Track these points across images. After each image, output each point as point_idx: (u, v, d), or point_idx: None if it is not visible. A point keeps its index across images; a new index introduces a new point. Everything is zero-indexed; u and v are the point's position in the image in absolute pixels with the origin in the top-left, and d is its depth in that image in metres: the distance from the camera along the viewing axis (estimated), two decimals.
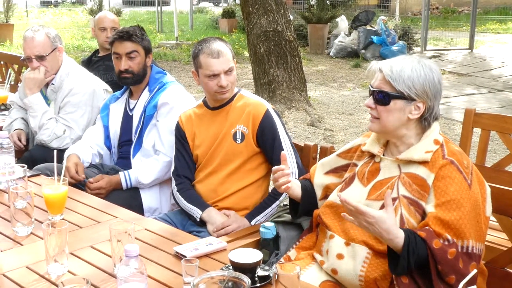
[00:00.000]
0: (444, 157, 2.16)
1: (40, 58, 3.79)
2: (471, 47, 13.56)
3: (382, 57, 12.56)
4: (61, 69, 3.89)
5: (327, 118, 7.99)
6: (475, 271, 1.89)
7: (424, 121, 2.23)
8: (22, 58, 3.91)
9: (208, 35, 14.06)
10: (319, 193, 2.53)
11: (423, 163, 2.18)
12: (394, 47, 12.59)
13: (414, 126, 2.24)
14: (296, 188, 2.50)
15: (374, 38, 12.89)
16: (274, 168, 2.43)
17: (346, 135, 7.14)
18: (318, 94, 9.58)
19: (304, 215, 2.58)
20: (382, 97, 2.20)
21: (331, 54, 13.65)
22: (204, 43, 3.00)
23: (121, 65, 3.48)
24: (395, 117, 2.20)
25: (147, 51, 3.55)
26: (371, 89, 2.25)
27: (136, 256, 1.78)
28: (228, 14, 18.02)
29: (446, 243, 2.05)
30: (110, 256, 2.15)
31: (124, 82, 3.57)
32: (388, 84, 2.18)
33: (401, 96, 2.17)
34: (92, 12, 17.80)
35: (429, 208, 2.12)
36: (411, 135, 2.25)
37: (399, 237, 2.02)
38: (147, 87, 3.56)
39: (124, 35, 3.48)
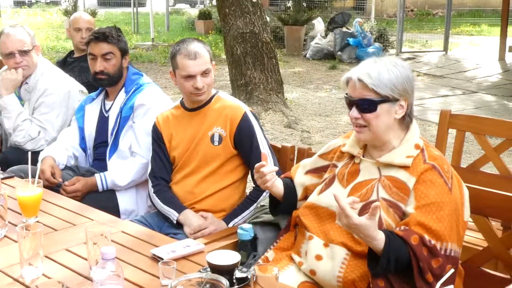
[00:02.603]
0: (425, 161, 2.18)
1: (24, 52, 3.75)
2: (445, 49, 13.69)
3: (358, 59, 12.63)
4: (36, 69, 3.84)
5: (304, 119, 8.01)
6: (452, 270, 1.90)
7: (407, 118, 2.26)
8: (1, 54, 3.84)
9: (185, 36, 13.99)
10: (299, 192, 2.53)
11: (404, 167, 2.20)
12: (370, 49, 12.67)
13: (397, 127, 2.26)
14: (279, 186, 2.49)
15: (350, 40, 12.96)
16: (257, 165, 2.40)
17: (323, 137, 7.16)
18: (295, 95, 9.60)
19: (283, 213, 2.57)
20: (367, 105, 2.20)
21: (307, 56, 13.69)
22: (182, 44, 2.99)
23: (96, 66, 3.44)
24: (384, 121, 2.21)
25: (124, 52, 3.51)
26: (352, 99, 2.23)
27: (112, 258, 1.77)
28: (204, 15, 17.97)
29: (424, 241, 2.06)
30: (86, 259, 2.12)
31: (100, 84, 3.54)
32: (371, 91, 2.18)
33: (386, 99, 2.19)
34: (67, 13, 17.66)
35: (409, 209, 2.13)
36: (395, 138, 2.26)
37: (379, 239, 2.04)
38: (123, 89, 3.53)
39: (100, 36, 3.44)
